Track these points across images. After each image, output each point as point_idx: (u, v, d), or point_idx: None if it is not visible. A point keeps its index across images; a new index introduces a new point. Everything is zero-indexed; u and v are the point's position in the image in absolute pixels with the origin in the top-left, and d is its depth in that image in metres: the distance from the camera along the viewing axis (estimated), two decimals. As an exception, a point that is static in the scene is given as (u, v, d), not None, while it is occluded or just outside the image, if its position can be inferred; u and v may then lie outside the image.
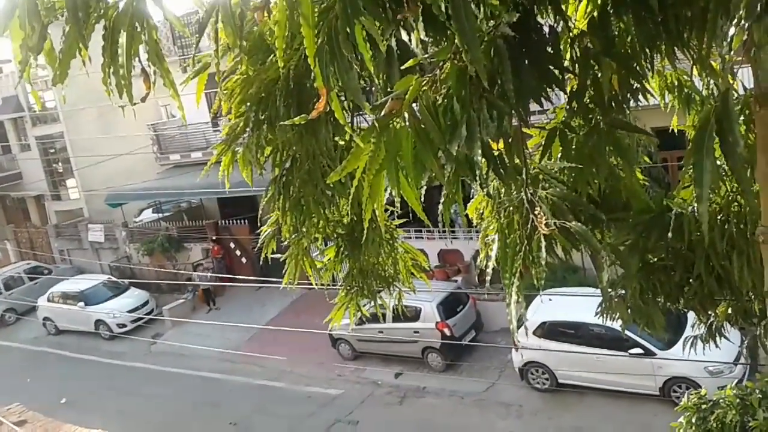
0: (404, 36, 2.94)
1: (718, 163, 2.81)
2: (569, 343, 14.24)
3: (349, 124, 2.26)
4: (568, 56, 2.97)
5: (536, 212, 2.29)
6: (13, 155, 33.68)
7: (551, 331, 14.53)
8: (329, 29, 2.05)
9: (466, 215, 4.29)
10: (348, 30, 2.03)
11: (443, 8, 2.19)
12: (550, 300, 14.71)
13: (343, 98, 3.00)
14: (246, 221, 22.80)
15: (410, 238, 17.66)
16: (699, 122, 1.74)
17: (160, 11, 2.19)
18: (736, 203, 4.54)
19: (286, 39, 2.54)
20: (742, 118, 4.55)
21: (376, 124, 2.14)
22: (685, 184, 4.36)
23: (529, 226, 2.29)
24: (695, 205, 4.27)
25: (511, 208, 2.47)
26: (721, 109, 1.69)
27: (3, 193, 33.63)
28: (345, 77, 2.07)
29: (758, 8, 1.41)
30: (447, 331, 16.10)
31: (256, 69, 3.61)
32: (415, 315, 16.17)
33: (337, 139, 3.81)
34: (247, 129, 3.63)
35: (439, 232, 18.61)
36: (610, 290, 5.31)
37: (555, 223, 2.22)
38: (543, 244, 2.21)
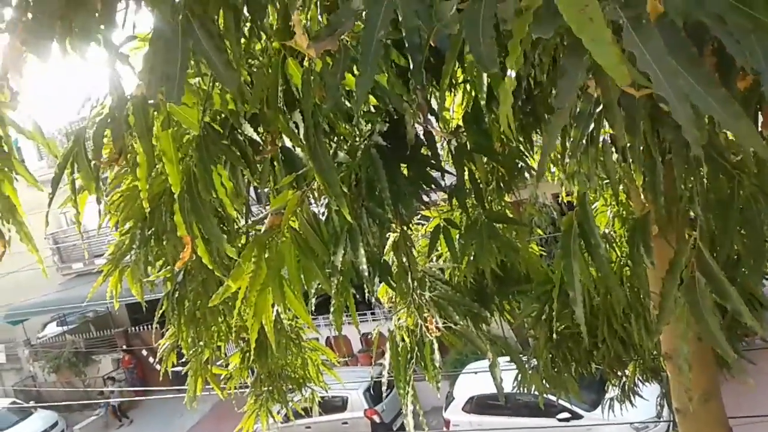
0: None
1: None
2: (499, 415, 14.15)
3: (217, 265, 2.23)
4: (446, 153, 3.07)
5: (425, 315, 2.30)
6: None
7: (480, 405, 14.43)
8: (187, 176, 2.04)
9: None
10: (207, 177, 2.03)
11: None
12: (475, 374, 14.72)
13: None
14: (158, 326, 21.81)
15: (330, 325, 17.37)
16: (563, 227, 1.81)
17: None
18: (628, 267, 4.74)
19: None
20: (622, 187, 4.83)
21: (234, 253, 2.13)
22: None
23: (418, 330, 2.29)
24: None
25: (401, 314, 2.47)
26: (580, 213, 1.77)
27: None
28: (208, 225, 2.06)
29: (583, 144, 1.51)
30: (376, 418, 15.71)
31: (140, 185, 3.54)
32: (342, 405, 15.74)
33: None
34: (134, 246, 3.52)
35: (360, 316, 18.46)
36: (525, 361, 5.39)
37: (442, 326, 2.22)
38: (435, 346, 2.20)
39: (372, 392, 16.06)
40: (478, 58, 1.15)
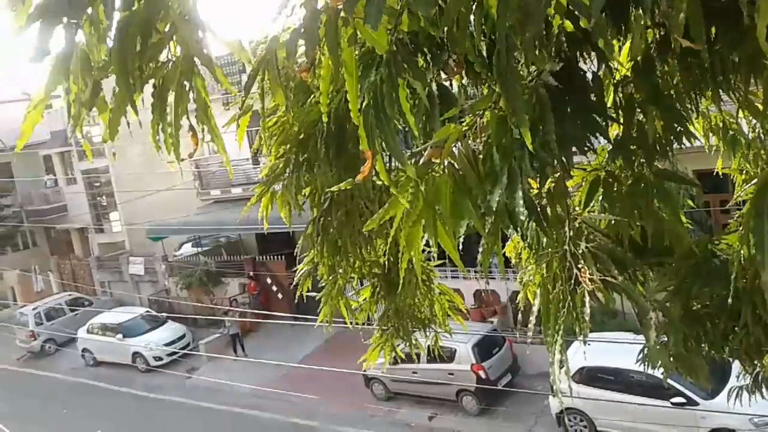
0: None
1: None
2: (608, 389, 13.81)
3: (393, 183, 2.25)
4: (610, 102, 2.93)
5: (580, 266, 2.23)
6: (60, 188, 34.66)
7: (590, 376, 14.13)
8: (374, 92, 2.04)
9: (504, 255, 4.24)
10: (393, 93, 2.02)
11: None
12: (588, 345, 14.35)
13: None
14: (282, 257, 22.93)
15: (446, 277, 17.50)
16: (758, 183, 1.66)
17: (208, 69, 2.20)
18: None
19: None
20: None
21: (414, 174, 2.12)
22: (731, 229, 4.26)
23: (573, 281, 2.23)
24: (742, 252, 4.16)
25: (553, 262, 2.41)
26: (781, 169, 1.62)
27: (49, 225, 34.52)
28: (391, 141, 2.06)
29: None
30: (482, 374, 15.77)
31: (297, 111, 3.65)
32: (449, 356, 15.90)
33: (375, 179, 3.82)
34: (287, 170, 3.66)
35: (475, 272, 18.46)
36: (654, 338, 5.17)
37: (599, 278, 2.15)
38: (587, 300, 2.14)
39: (481, 348, 16.12)
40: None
